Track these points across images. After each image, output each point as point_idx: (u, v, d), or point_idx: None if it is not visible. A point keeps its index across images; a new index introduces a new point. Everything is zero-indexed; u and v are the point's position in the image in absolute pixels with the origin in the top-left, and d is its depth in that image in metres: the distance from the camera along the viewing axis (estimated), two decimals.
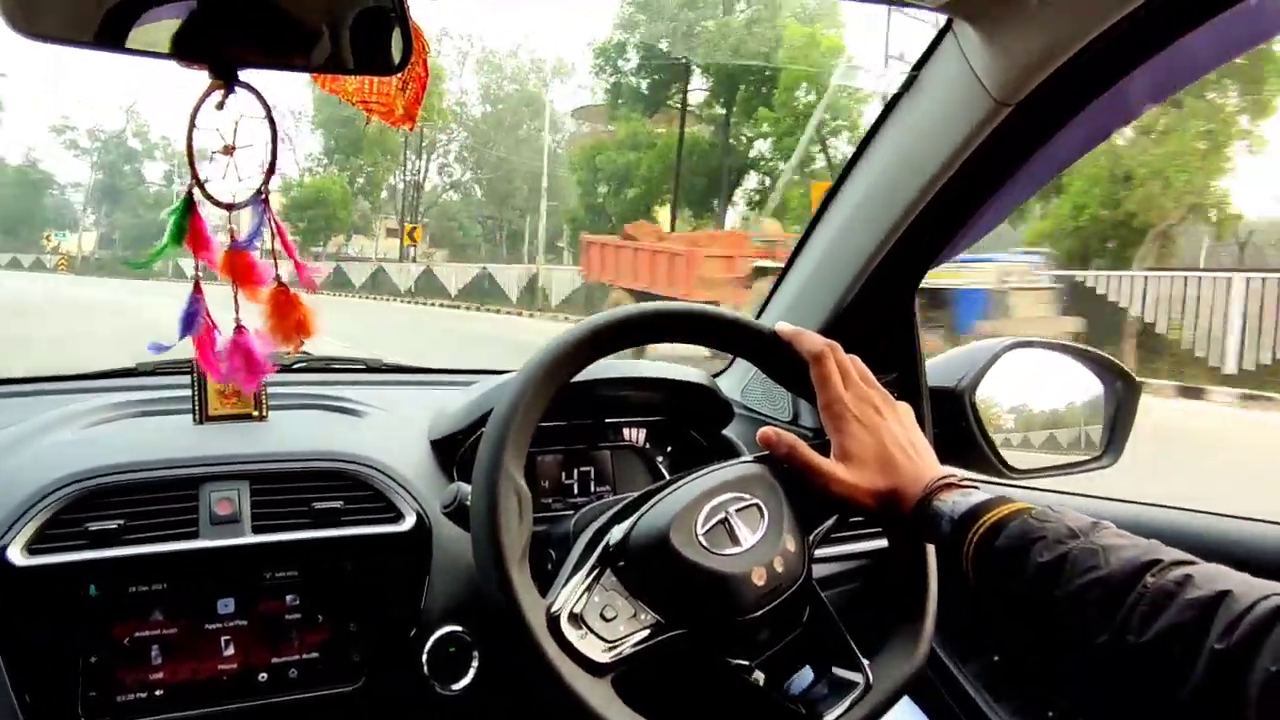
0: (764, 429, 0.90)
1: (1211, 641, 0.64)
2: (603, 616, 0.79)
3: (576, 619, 0.78)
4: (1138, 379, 1.47)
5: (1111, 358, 1.48)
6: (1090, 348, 1.49)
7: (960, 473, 0.87)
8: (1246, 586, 0.67)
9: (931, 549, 0.92)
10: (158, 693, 0.94)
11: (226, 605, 0.98)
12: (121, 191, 48.93)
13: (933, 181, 1.11)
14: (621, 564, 0.82)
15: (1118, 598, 0.70)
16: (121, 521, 0.95)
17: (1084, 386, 1.52)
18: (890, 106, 1.16)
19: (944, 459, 1.32)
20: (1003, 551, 0.76)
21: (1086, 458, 1.47)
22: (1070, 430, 1.49)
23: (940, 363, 1.42)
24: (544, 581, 0.82)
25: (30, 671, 0.89)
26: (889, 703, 0.85)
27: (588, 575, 0.81)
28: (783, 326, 0.92)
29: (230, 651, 0.97)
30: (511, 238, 37.79)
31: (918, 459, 0.87)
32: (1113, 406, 1.48)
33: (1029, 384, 1.51)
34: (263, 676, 0.98)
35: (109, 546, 0.93)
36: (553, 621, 0.77)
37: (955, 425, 1.36)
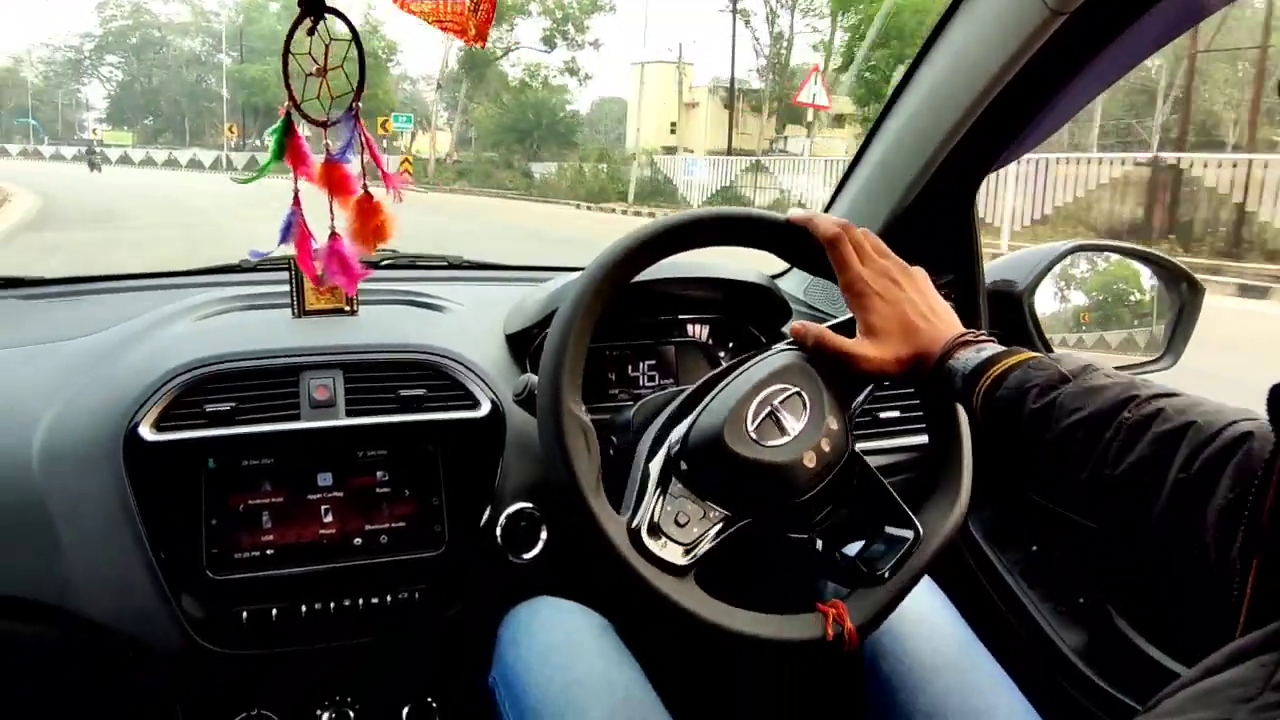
0: (792, 323, 0.93)
1: (1175, 472, 0.67)
2: (677, 523, 0.85)
3: (655, 529, 0.84)
4: (1201, 282, 1.47)
5: (1176, 261, 1.48)
6: (1154, 250, 1.49)
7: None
8: (1213, 416, 0.68)
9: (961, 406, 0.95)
10: (269, 552, 1.06)
11: (325, 479, 1.09)
12: (482, 63, 32.86)
13: (989, 87, 1.11)
14: (684, 468, 0.88)
15: (1097, 436, 0.73)
16: (234, 404, 1.06)
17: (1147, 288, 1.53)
18: (952, 10, 1.16)
19: None
20: (1002, 401, 0.79)
21: (1147, 359, 1.49)
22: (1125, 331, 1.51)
23: (1001, 264, 1.44)
24: (607, 466, 0.88)
25: (163, 532, 1.02)
26: (940, 551, 0.90)
27: (656, 487, 0.87)
28: (795, 213, 0.93)
29: (329, 519, 1.08)
30: None
31: (937, 321, 0.88)
32: (1175, 309, 1.48)
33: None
34: (357, 541, 1.09)
35: (224, 426, 1.05)
36: (634, 535, 0.83)
37: (1014, 326, 1.39)
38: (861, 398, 0.95)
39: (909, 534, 0.90)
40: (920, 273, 0.92)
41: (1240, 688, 0.47)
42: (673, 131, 29.89)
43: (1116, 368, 1.42)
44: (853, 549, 0.94)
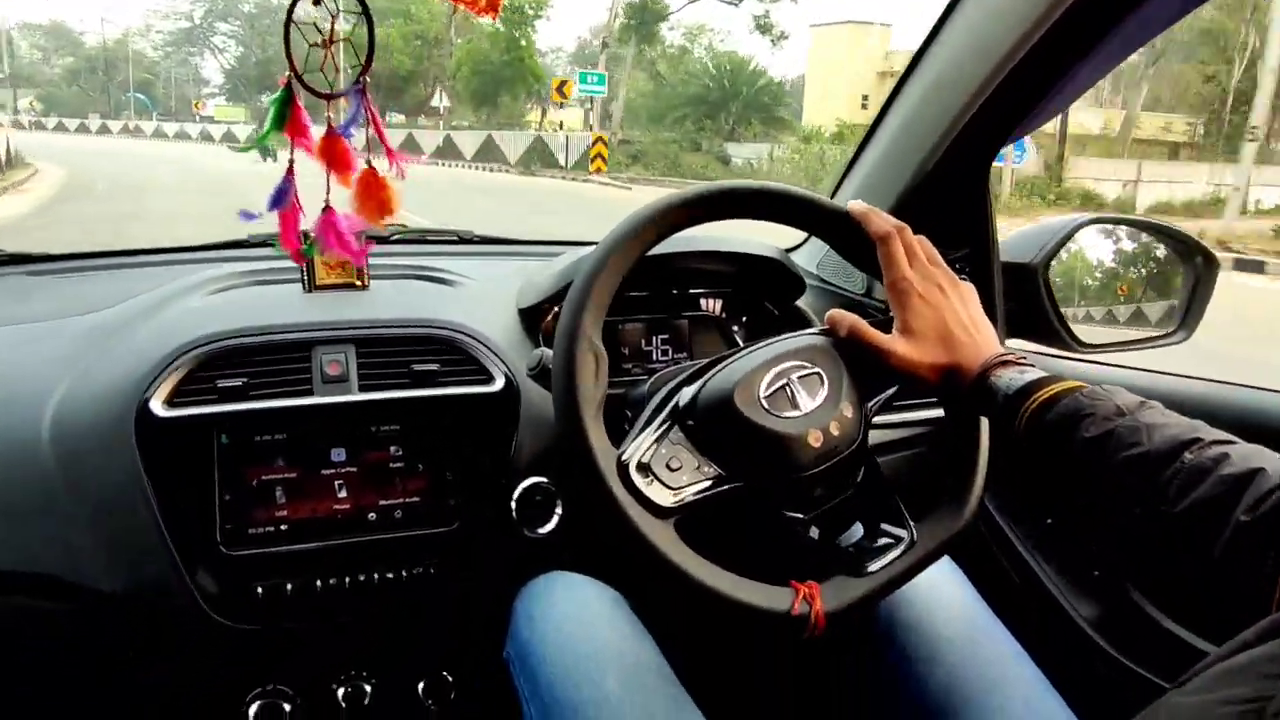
0: (831, 311, 0.93)
1: (1239, 514, 0.67)
2: (668, 467, 0.85)
3: (644, 468, 0.85)
4: (1217, 257, 1.45)
5: (1191, 235, 1.47)
6: (1169, 224, 1.48)
7: (1019, 350, 0.90)
8: None
9: (985, 422, 0.95)
10: (283, 527, 1.06)
11: (339, 454, 1.09)
12: (653, 19, 28.21)
13: (1005, 59, 1.10)
14: (689, 421, 0.88)
15: (1156, 472, 0.73)
16: (246, 379, 1.05)
17: (1161, 262, 1.52)
18: None
19: (1016, 334, 1.36)
20: (1053, 425, 0.79)
21: (1160, 333, 1.48)
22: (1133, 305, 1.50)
23: (1015, 238, 1.43)
24: (621, 438, 0.89)
25: (176, 508, 1.02)
26: (929, 559, 0.90)
27: (657, 430, 0.88)
28: (854, 205, 0.93)
29: (343, 494, 1.09)
30: None
31: (978, 336, 0.89)
32: (1190, 283, 1.47)
33: (1105, 260, 1.51)
34: (371, 516, 1.09)
35: (236, 401, 1.04)
36: (622, 468, 0.84)
37: (1028, 300, 1.38)
38: (884, 396, 0.94)
39: (904, 535, 0.91)
40: (969, 288, 0.93)
41: (1273, 663, 0.47)
42: (863, 107, 24.21)
43: (1128, 343, 1.44)
44: (848, 539, 0.94)
